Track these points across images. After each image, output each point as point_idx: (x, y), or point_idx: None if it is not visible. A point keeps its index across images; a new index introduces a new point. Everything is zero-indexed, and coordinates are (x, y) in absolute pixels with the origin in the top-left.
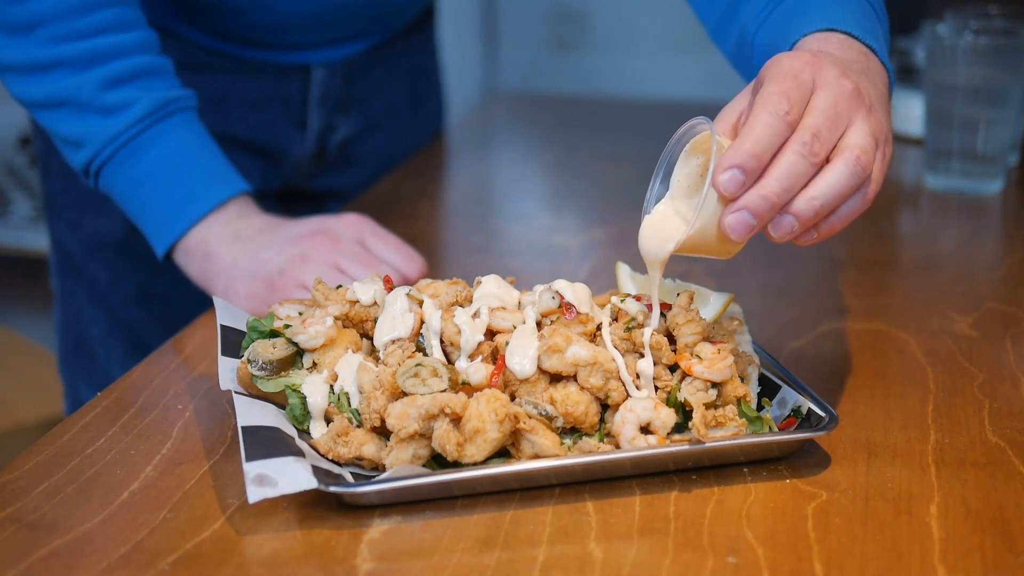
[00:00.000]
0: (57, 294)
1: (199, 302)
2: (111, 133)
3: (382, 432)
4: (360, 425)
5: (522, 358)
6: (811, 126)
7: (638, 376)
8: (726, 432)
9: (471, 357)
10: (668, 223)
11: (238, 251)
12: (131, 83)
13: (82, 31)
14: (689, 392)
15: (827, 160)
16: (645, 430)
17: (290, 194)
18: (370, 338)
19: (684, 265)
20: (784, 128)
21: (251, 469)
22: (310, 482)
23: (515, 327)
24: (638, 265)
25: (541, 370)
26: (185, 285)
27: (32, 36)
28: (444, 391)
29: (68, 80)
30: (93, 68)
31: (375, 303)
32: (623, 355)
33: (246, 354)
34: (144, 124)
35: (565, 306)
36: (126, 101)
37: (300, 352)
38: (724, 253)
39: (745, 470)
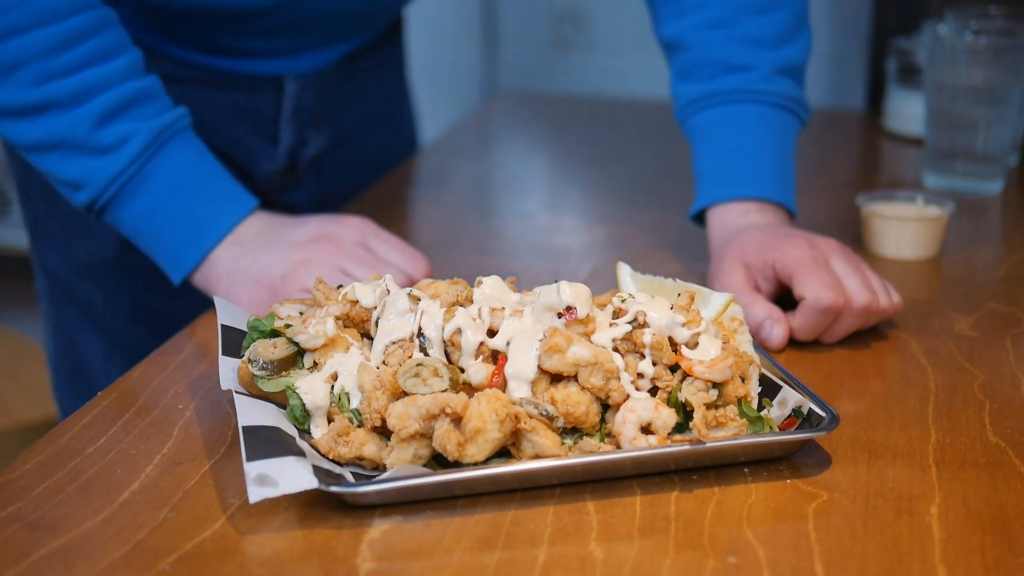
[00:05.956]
0: (48, 320)
1: (196, 314)
2: (111, 173)
3: (383, 432)
4: (361, 425)
5: (519, 379)
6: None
7: (639, 376)
8: (727, 432)
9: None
10: None
11: (238, 254)
12: (124, 114)
13: (66, 67)
14: (690, 392)
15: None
16: (646, 430)
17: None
18: (371, 338)
19: (684, 265)
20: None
21: (252, 469)
22: (311, 482)
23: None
24: (638, 265)
25: (541, 370)
26: (181, 297)
27: (13, 78)
28: (445, 391)
29: (59, 120)
30: (83, 105)
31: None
32: (623, 355)
33: (247, 354)
34: (144, 159)
35: (566, 309)
36: (122, 137)
37: (301, 352)
38: None
39: (746, 470)
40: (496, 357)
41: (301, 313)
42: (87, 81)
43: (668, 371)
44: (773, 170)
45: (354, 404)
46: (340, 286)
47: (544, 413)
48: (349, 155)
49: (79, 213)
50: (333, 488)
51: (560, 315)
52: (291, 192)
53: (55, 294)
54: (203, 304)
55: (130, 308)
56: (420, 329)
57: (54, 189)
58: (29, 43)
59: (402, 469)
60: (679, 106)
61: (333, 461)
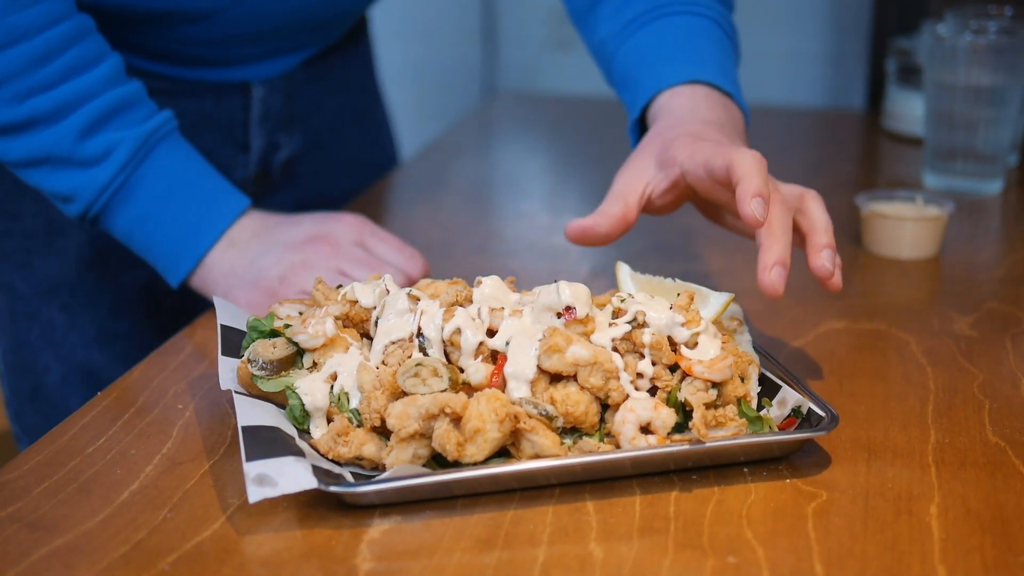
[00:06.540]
0: (5, 337)
1: (161, 340)
2: (100, 184)
3: (382, 432)
4: (360, 425)
5: (518, 379)
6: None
7: (639, 375)
8: (726, 432)
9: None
10: None
11: (234, 257)
12: (108, 124)
13: (46, 82)
14: (689, 392)
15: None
16: (645, 430)
17: None
18: (370, 338)
19: (684, 265)
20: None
21: (251, 469)
22: (310, 482)
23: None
24: (638, 265)
25: (541, 370)
26: (144, 324)
27: None
28: (444, 391)
29: (42, 136)
30: (66, 118)
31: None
32: (622, 355)
33: (246, 354)
34: (131, 167)
35: (565, 309)
36: (107, 147)
37: (300, 352)
38: None
39: (745, 470)
40: (495, 357)
41: (300, 313)
42: (68, 94)
43: (667, 371)
44: (729, 68)
45: (353, 404)
46: (339, 286)
47: (543, 413)
48: (323, 158)
49: (41, 232)
50: (332, 488)
51: (559, 315)
52: (266, 199)
53: (15, 312)
54: (168, 330)
55: (92, 332)
56: (419, 329)
57: (14, 207)
58: (7, 60)
59: (401, 469)
60: (614, 31)
61: (332, 461)
